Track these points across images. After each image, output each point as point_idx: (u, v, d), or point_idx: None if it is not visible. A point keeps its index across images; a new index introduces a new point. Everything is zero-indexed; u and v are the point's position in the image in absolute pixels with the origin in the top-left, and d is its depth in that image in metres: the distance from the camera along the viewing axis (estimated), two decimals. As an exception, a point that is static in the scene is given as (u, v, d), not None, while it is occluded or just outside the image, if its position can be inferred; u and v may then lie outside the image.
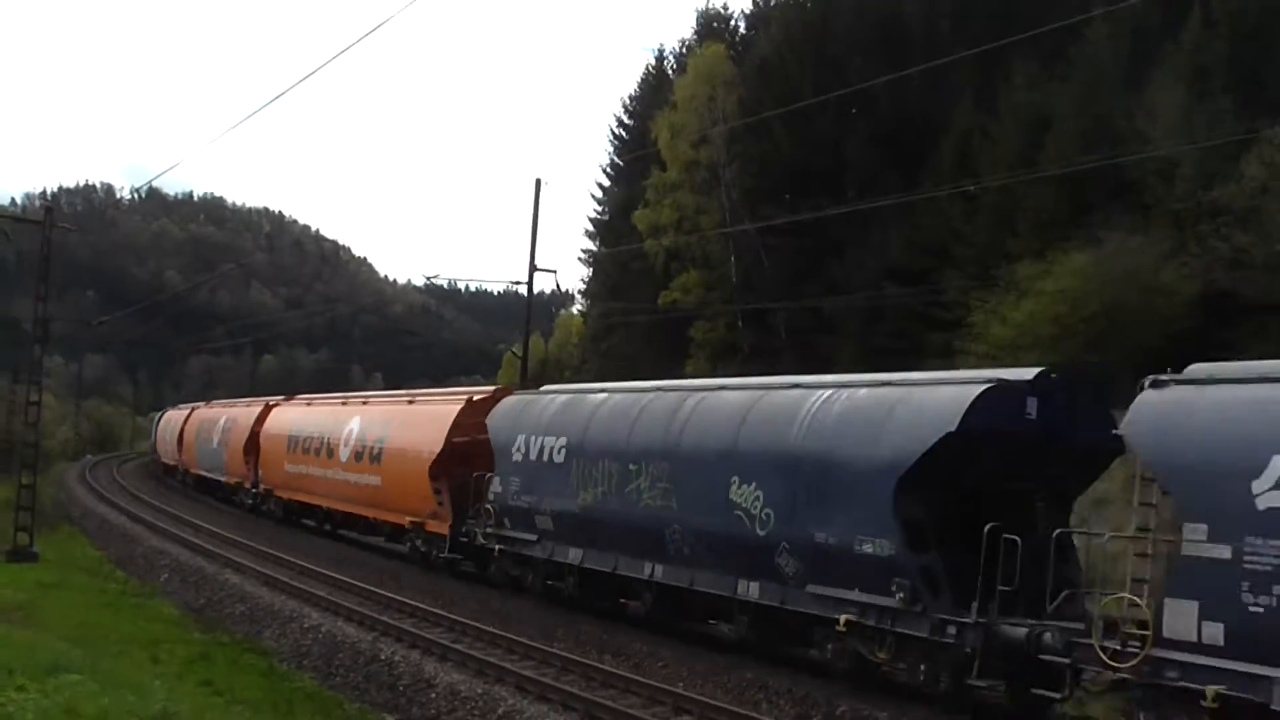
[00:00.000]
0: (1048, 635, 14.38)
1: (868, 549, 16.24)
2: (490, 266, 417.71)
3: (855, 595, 16.55)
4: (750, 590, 18.72)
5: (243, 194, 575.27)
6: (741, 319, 49.31)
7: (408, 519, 30.87)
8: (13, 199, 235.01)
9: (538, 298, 47.64)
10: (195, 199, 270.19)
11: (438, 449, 29.07)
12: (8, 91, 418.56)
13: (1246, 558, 12.09)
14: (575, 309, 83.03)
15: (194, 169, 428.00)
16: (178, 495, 56.85)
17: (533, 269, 43.33)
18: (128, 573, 31.98)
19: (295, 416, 42.92)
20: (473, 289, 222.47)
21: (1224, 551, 12.29)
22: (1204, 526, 12.59)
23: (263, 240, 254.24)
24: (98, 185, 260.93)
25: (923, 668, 15.98)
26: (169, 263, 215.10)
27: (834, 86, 40.65)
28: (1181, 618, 12.56)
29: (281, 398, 49.27)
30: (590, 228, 74.27)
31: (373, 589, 25.93)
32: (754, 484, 18.52)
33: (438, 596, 25.41)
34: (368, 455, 33.80)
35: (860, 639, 16.76)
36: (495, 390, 31.18)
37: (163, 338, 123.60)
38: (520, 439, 25.34)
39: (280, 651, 21.43)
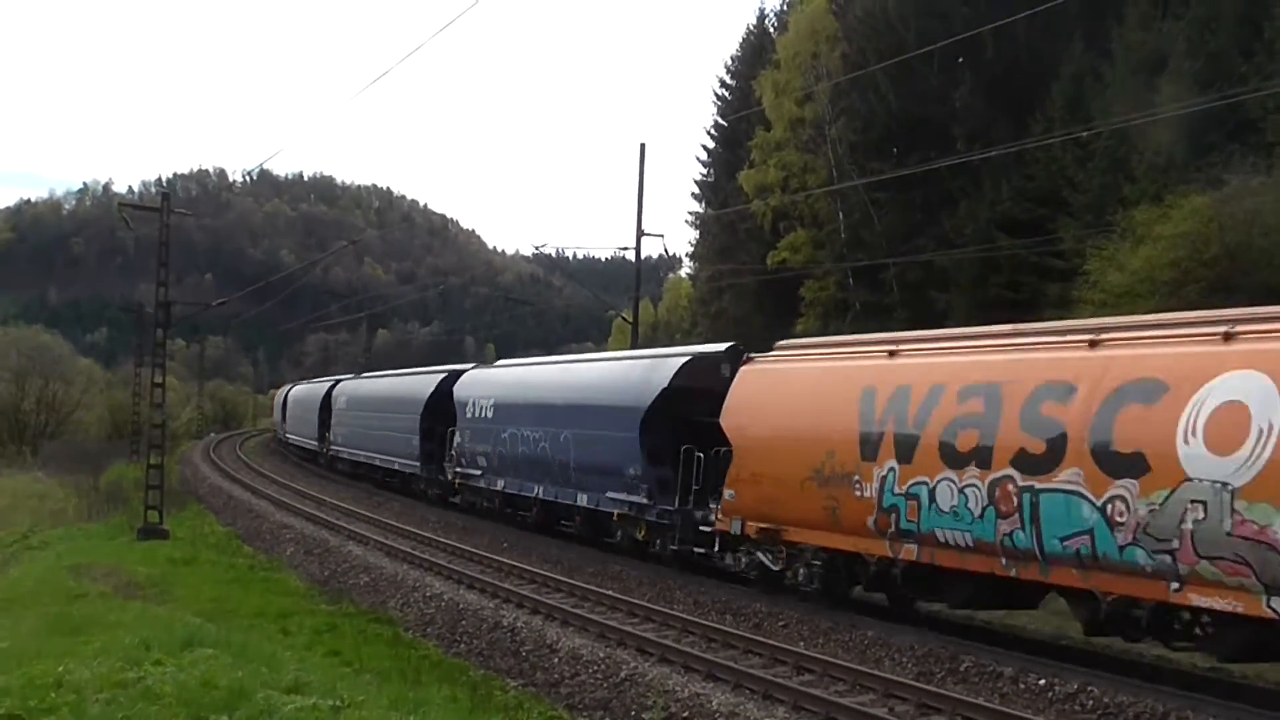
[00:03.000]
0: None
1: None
2: (597, 233, 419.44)
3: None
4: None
5: (351, 172, 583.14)
6: (852, 276, 48.76)
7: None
8: (130, 188, 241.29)
9: (646, 262, 47.77)
10: (305, 179, 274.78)
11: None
12: (123, 84, 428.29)
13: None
14: (683, 272, 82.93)
15: (304, 149, 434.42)
16: (300, 471, 57.94)
17: (640, 234, 43.30)
18: (254, 548, 32.69)
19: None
20: (581, 256, 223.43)
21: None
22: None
23: (373, 216, 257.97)
24: (211, 170, 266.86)
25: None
26: (282, 242, 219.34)
27: (939, 36, 39.89)
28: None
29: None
30: (696, 190, 73.98)
31: (492, 556, 26.22)
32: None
33: (556, 562, 25.63)
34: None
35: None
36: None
37: (279, 317, 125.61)
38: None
39: (405, 621, 21.76)
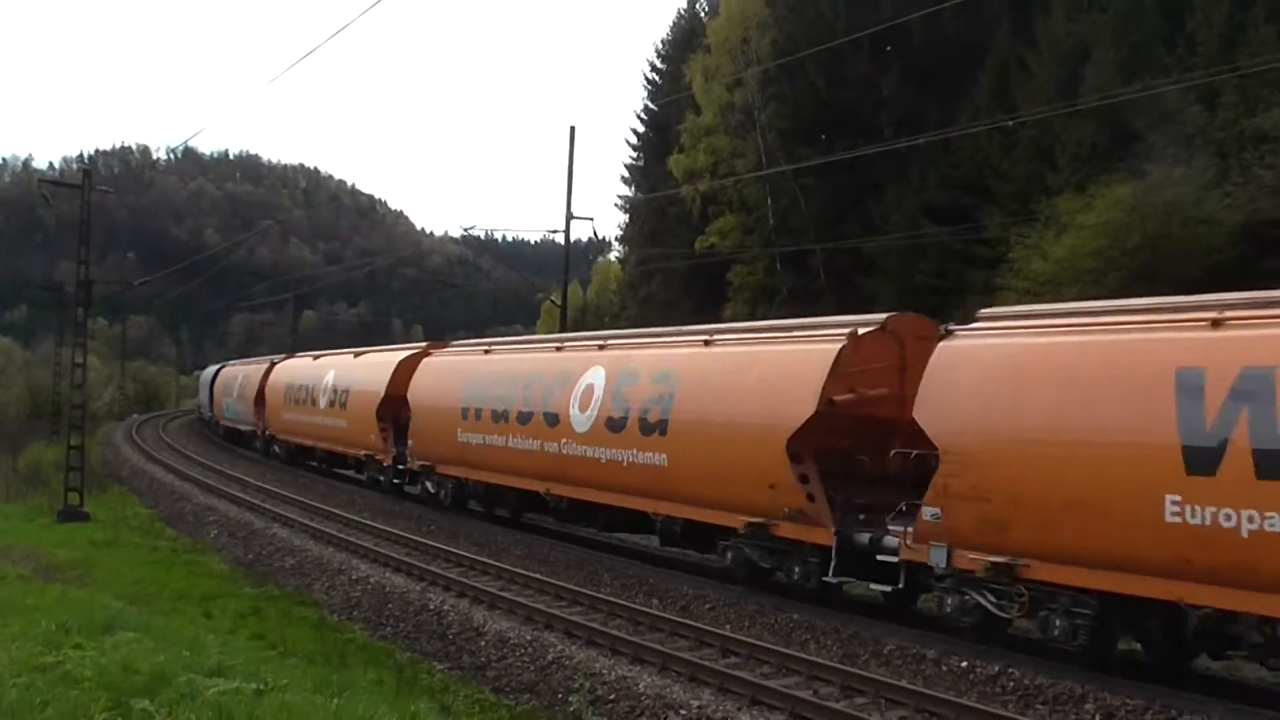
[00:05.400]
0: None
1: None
2: (527, 215, 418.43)
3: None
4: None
5: (278, 151, 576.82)
6: (779, 261, 49.07)
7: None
8: (50, 164, 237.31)
9: (575, 245, 47.74)
10: (231, 157, 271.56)
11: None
12: (42, 57, 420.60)
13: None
14: (613, 255, 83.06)
15: (229, 128, 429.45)
16: (225, 453, 57.33)
17: (569, 217, 43.27)
18: (178, 530, 32.29)
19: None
20: (510, 238, 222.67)
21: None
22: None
23: (300, 196, 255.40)
24: (134, 147, 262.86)
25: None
26: (207, 222, 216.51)
27: (868, 24, 40.21)
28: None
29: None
30: (626, 174, 74.10)
31: (419, 539, 26.11)
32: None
33: (483, 545, 25.56)
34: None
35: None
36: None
37: (204, 296, 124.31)
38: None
39: (330, 603, 21.62)
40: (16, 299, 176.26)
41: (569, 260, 46.10)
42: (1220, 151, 31.31)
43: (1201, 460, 12.52)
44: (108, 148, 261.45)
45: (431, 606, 19.81)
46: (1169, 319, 13.88)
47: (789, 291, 47.68)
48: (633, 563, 22.87)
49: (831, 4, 48.22)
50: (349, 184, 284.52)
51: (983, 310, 17.21)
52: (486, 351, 30.84)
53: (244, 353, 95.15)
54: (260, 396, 51.40)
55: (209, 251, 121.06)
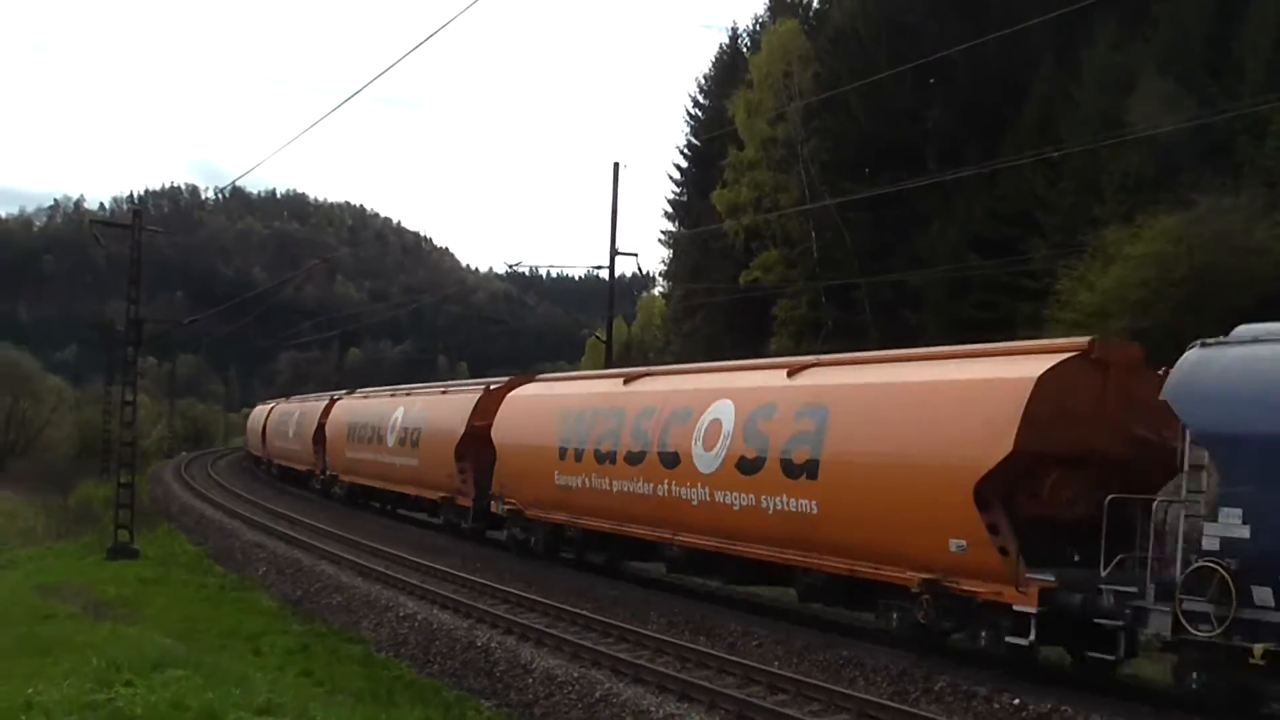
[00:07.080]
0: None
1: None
2: (571, 251, 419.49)
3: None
4: None
5: (324, 189, 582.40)
6: (824, 296, 48.96)
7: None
8: (101, 204, 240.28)
9: (619, 281, 47.70)
10: (278, 196, 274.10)
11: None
12: (94, 99, 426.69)
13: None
14: (657, 291, 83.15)
15: (276, 167, 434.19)
16: (273, 490, 57.60)
17: (614, 253, 43.39)
18: (226, 567, 32.46)
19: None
20: (554, 275, 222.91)
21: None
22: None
23: (346, 234, 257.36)
24: (183, 187, 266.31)
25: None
26: (254, 260, 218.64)
27: (911, 57, 40.15)
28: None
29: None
30: (669, 209, 74.21)
31: (466, 576, 26.10)
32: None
33: (530, 581, 25.51)
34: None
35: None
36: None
37: (251, 335, 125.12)
38: None
39: (378, 641, 21.65)
40: (67, 339, 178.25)
41: (614, 296, 46.17)
42: (1269, 180, 31.03)
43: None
44: (157, 188, 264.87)
45: (479, 643, 19.78)
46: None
47: (833, 325, 47.56)
48: (679, 600, 22.77)
49: (874, 37, 48.20)
50: (395, 221, 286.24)
51: None
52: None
53: (290, 390, 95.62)
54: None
55: (257, 290, 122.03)
